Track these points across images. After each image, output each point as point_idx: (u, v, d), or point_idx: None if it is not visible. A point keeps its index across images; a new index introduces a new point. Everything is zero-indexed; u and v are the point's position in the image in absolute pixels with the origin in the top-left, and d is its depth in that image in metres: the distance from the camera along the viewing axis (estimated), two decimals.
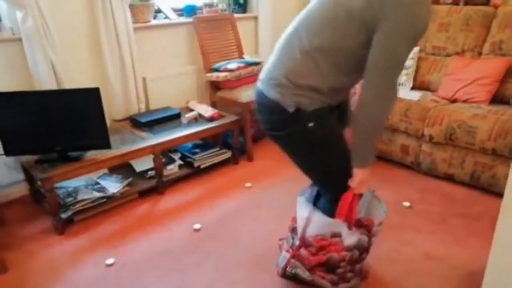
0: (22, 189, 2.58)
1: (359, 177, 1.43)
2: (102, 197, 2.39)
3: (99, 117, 2.25)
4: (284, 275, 1.69)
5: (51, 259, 2.02)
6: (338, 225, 1.53)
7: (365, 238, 1.58)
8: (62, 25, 2.52)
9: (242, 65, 3.01)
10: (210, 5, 3.46)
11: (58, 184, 2.33)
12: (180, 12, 3.28)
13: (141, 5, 2.87)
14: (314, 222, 1.57)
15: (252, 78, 3.13)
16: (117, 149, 2.39)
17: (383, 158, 2.90)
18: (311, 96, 1.38)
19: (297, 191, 1.73)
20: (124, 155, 2.40)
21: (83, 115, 2.26)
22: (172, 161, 2.79)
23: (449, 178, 2.59)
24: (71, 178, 2.27)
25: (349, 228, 1.54)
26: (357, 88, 1.41)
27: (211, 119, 2.88)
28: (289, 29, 1.43)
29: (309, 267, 1.61)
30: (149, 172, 2.66)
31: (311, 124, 1.40)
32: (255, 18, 3.64)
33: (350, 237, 1.54)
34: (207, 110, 2.95)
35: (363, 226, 1.59)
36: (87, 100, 2.23)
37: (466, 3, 3.02)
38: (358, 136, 1.38)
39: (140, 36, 2.90)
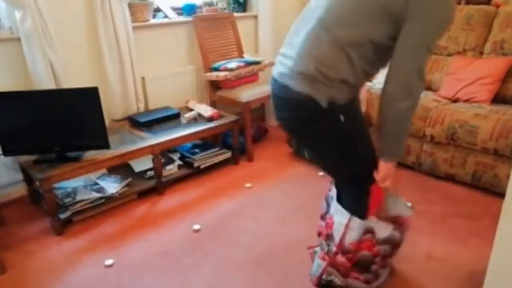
0: (20, 190, 2.57)
1: (385, 170, 1.43)
2: (101, 198, 2.38)
3: (98, 117, 2.24)
4: (319, 283, 1.65)
5: (50, 260, 2.01)
6: (369, 220, 1.53)
7: (397, 233, 1.59)
8: (61, 24, 2.51)
9: (242, 64, 2.99)
10: (209, 4, 3.45)
11: (56, 185, 2.32)
12: (179, 11, 3.27)
13: (140, 4, 2.85)
14: (353, 229, 1.55)
15: (252, 77, 3.12)
16: (116, 149, 2.38)
17: None
18: (343, 89, 1.36)
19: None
20: (123, 155, 2.39)
21: (82, 115, 2.25)
22: (171, 161, 2.78)
23: (450, 178, 2.58)
24: (70, 179, 2.26)
25: (378, 218, 1.54)
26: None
27: (210, 119, 2.87)
28: (310, 20, 1.37)
29: (344, 272, 1.59)
30: (148, 172, 2.65)
31: (342, 117, 1.39)
32: (255, 17, 3.63)
33: (383, 230, 1.55)
34: (206, 110, 2.94)
35: (395, 222, 1.60)
36: (86, 100, 2.22)
37: (467, 2, 2.99)
38: (385, 130, 1.37)
39: (139, 35, 2.88)
